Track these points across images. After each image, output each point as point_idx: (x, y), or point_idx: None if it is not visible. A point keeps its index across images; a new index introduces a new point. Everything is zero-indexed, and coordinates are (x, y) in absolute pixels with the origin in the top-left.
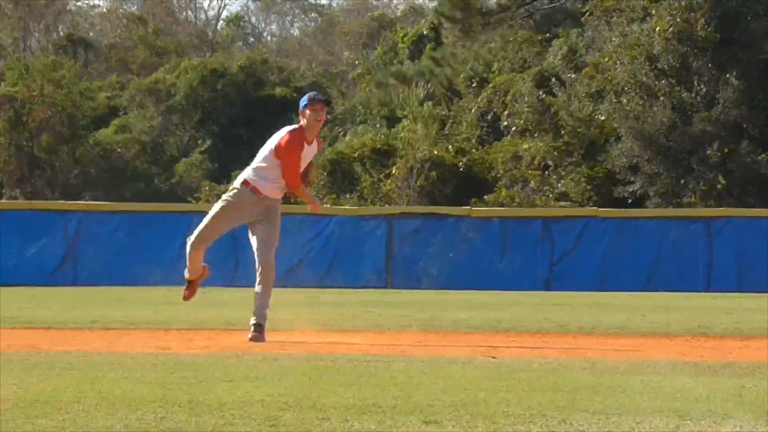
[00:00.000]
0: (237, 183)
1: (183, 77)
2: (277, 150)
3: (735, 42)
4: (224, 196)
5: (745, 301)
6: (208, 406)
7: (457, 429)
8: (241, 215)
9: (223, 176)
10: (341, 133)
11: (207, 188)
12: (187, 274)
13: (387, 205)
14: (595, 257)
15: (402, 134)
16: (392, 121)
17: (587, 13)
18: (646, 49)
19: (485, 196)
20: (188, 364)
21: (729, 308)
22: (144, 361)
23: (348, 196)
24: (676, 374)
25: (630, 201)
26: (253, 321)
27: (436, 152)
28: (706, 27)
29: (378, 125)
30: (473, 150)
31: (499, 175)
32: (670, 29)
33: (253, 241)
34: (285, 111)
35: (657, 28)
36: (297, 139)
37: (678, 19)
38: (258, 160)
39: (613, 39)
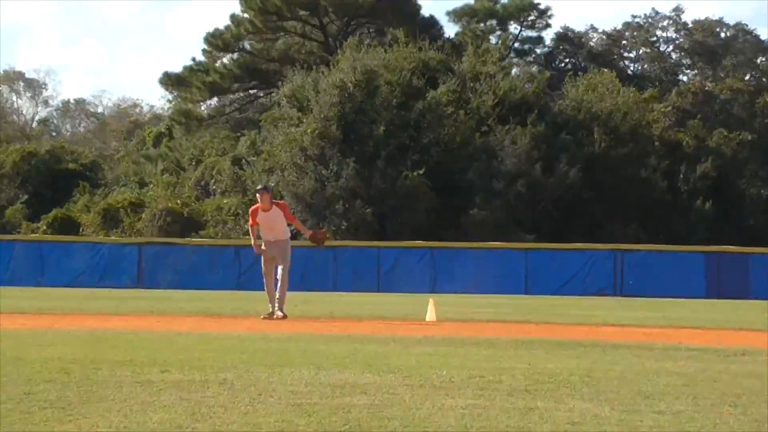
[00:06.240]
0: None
1: (9, 156)
2: None
3: (351, 140)
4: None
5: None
6: None
7: None
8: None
9: (36, 218)
10: (111, 192)
11: (25, 226)
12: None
13: (139, 237)
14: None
15: (149, 193)
16: (141, 185)
17: (263, 120)
18: (299, 143)
19: (200, 232)
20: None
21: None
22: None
23: (114, 230)
24: None
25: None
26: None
27: (169, 205)
28: (335, 130)
29: (133, 187)
30: (192, 203)
31: (207, 219)
32: (315, 131)
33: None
34: (75, 178)
35: (307, 130)
36: (252, 210)
37: (319, 125)
38: None
39: (279, 136)
